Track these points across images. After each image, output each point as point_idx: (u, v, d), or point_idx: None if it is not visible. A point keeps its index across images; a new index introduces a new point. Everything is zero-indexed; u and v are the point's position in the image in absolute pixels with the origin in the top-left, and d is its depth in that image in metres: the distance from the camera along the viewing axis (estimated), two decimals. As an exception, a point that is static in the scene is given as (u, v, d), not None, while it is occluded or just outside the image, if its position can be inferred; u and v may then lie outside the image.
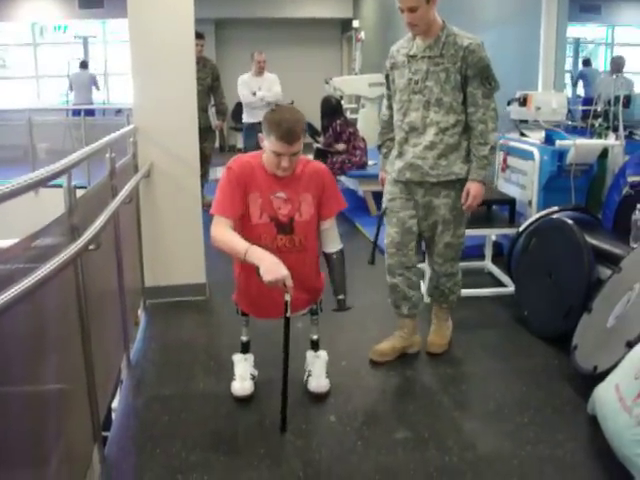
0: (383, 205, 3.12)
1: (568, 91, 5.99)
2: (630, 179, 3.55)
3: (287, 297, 2.37)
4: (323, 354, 2.91)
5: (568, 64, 6.28)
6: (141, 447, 2.45)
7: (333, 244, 2.75)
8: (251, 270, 2.41)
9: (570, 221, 3.35)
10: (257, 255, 2.36)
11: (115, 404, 2.85)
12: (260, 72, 6.75)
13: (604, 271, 3.21)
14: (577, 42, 6.86)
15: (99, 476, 2.27)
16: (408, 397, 2.82)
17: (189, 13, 3.75)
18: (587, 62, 6.81)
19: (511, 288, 3.86)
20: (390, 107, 3.10)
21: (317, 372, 2.83)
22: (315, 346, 2.91)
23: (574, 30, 6.51)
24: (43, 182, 1.93)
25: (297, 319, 2.80)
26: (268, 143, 2.49)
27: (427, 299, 3.42)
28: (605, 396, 2.37)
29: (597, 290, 3.06)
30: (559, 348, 3.16)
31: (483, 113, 2.83)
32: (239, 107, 11.96)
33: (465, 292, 3.83)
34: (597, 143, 4.04)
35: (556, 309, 3.23)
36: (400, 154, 3.00)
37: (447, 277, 3.13)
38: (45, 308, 1.96)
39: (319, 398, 2.74)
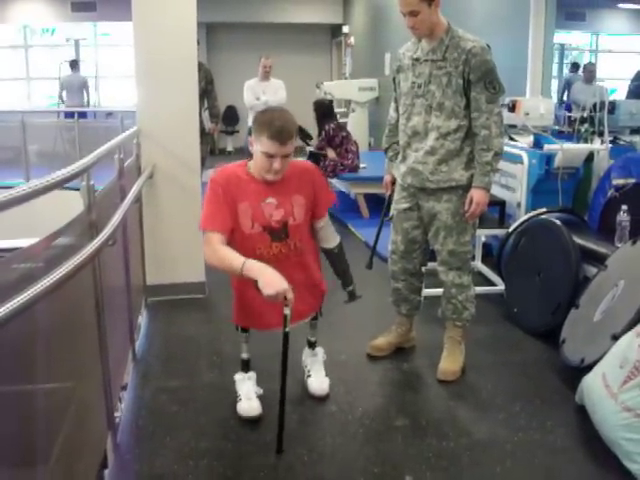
0: (392, 211, 3.12)
1: (554, 97, 6.17)
2: (614, 182, 3.70)
3: (287, 311, 2.25)
4: (320, 351, 2.93)
5: (554, 70, 6.47)
6: (151, 435, 2.56)
7: (331, 239, 2.72)
8: (249, 285, 2.31)
9: (558, 222, 3.50)
10: (255, 269, 2.26)
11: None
12: (266, 77, 6.85)
13: (590, 269, 3.37)
14: (562, 48, 7.03)
15: (113, 462, 2.38)
16: (406, 388, 2.95)
17: (192, 20, 3.88)
18: (576, 66, 6.91)
19: (501, 287, 4.00)
20: (397, 110, 3.07)
21: (316, 372, 2.84)
22: (312, 345, 2.93)
23: (559, 37, 6.70)
24: (64, 182, 2.03)
25: (300, 334, 2.78)
26: (259, 145, 2.40)
27: (439, 314, 3.18)
28: (592, 385, 2.52)
29: (584, 287, 3.21)
30: (548, 343, 3.30)
31: (487, 118, 2.76)
32: (230, 111, 12.16)
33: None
34: (583, 147, 4.20)
35: (545, 306, 3.37)
36: (404, 158, 2.99)
37: (457, 288, 3.01)
38: (68, 301, 2.07)
39: (321, 399, 2.77)
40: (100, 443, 2.34)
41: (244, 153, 8.14)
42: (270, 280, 2.22)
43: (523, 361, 3.19)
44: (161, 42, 3.81)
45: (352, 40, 11.24)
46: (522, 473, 2.32)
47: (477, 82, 2.75)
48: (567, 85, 6.63)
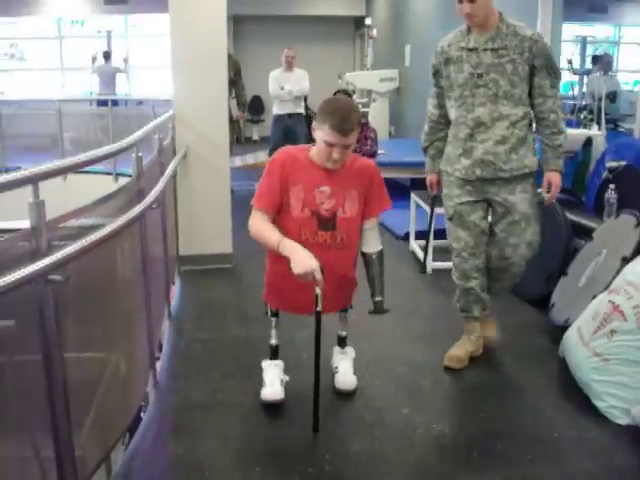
0: (448, 211, 3.01)
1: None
2: (608, 164, 4.02)
3: (317, 290, 2.30)
4: (350, 351, 2.84)
5: (576, 62, 6.63)
6: (185, 375, 2.96)
7: (373, 244, 2.64)
8: (284, 265, 2.34)
9: (553, 200, 3.83)
10: (289, 247, 2.32)
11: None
12: (289, 67, 7.16)
13: (580, 242, 3.71)
14: (584, 41, 7.23)
15: (153, 395, 2.79)
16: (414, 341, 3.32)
17: (222, 13, 4.27)
18: (596, 59, 7.00)
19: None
20: (439, 106, 3.01)
21: (344, 369, 2.77)
22: (342, 342, 2.83)
23: (581, 29, 6.89)
24: (117, 153, 2.44)
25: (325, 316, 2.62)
26: (321, 132, 2.39)
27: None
28: (570, 337, 2.87)
29: (573, 257, 3.55)
30: (540, 309, 3.64)
31: (553, 102, 2.78)
32: (255, 100, 12.54)
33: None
34: (581, 133, 4.52)
35: (538, 275, 3.71)
36: (465, 152, 2.87)
37: (512, 281, 3.09)
38: (121, 258, 2.49)
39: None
40: (144, 378, 2.76)
41: (270, 142, 8.53)
42: (301, 259, 2.28)
43: (516, 324, 3.54)
44: (195, 35, 4.21)
45: (374, 32, 11.56)
46: (512, 410, 2.69)
47: (541, 68, 2.75)
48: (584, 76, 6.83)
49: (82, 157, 2.01)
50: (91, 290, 2.19)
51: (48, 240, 1.70)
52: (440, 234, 4.64)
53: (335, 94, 7.21)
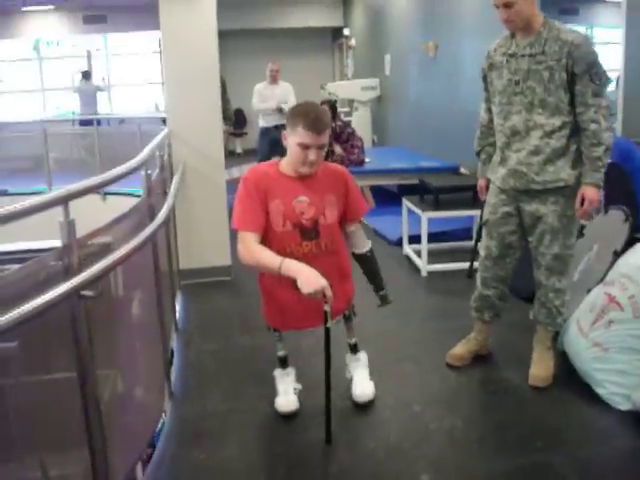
0: (484, 216, 3.01)
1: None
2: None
3: (326, 307, 2.30)
4: (363, 356, 2.84)
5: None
6: (198, 385, 3.04)
7: (362, 244, 2.69)
8: (276, 285, 2.40)
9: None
10: (293, 268, 2.28)
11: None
12: (274, 80, 7.28)
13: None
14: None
15: (170, 406, 2.86)
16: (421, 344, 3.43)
17: (213, 30, 4.37)
18: None
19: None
20: (488, 110, 2.96)
21: (360, 377, 2.77)
22: (354, 349, 2.84)
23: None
24: (129, 174, 2.51)
25: (338, 335, 2.73)
26: (294, 136, 2.39)
27: (531, 317, 3.09)
28: (569, 329, 2.99)
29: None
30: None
31: (595, 112, 2.60)
32: (238, 114, 12.62)
33: (458, 265, 4.48)
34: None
35: (531, 273, 3.83)
36: (502, 160, 2.84)
37: (555, 293, 2.88)
38: (138, 266, 2.56)
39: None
40: (161, 388, 2.84)
41: (253, 154, 8.63)
42: (308, 278, 2.24)
43: (513, 320, 3.58)
44: (187, 51, 4.32)
45: (353, 42, 11.73)
46: (517, 402, 2.80)
47: (582, 75, 2.59)
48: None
49: (104, 177, 2.09)
50: (114, 306, 2.27)
51: (79, 257, 1.78)
52: (434, 238, 4.82)
53: (320, 105, 7.37)
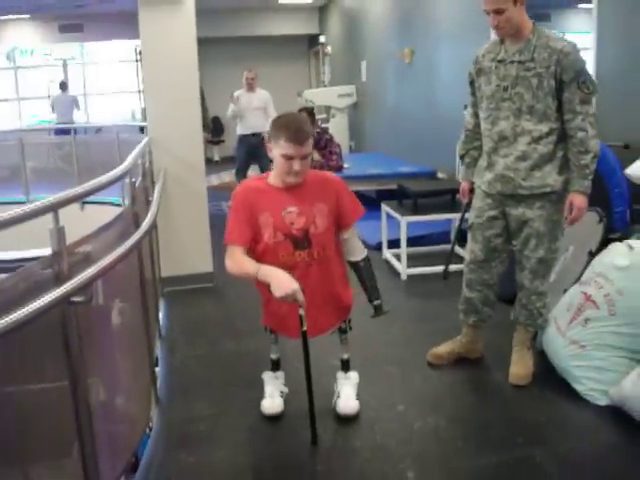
0: (470, 220, 3.05)
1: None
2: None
3: (301, 311, 2.37)
4: (354, 375, 2.83)
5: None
6: (185, 390, 3.07)
7: (358, 252, 2.70)
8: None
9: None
10: (266, 273, 2.36)
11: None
12: (251, 88, 7.32)
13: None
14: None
15: (157, 411, 2.88)
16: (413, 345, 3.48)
17: (192, 38, 4.41)
18: None
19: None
20: (475, 115, 2.99)
21: (346, 394, 2.74)
22: (345, 366, 2.83)
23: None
24: (114, 182, 2.52)
25: (326, 338, 2.74)
26: (277, 149, 2.44)
27: (512, 317, 3.16)
28: (548, 329, 3.06)
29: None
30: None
31: (582, 119, 2.64)
32: (215, 121, 12.64)
33: (437, 269, 4.54)
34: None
35: (510, 274, 3.91)
36: (489, 165, 2.87)
37: (537, 296, 2.94)
38: (124, 276, 2.59)
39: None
40: (147, 395, 2.85)
41: (231, 162, 8.66)
42: (279, 282, 2.31)
43: (495, 322, 3.70)
44: (167, 60, 4.35)
45: (329, 49, 11.82)
46: (498, 400, 2.87)
47: (570, 82, 2.63)
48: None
49: (90, 185, 2.12)
50: (100, 313, 2.29)
51: (68, 264, 1.81)
52: (413, 242, 4.89)
53: (299, 112, 7.42)
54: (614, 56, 4.21)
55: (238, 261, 2.44)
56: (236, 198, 2.56)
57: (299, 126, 2.45)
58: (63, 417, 1.92)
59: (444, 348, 3.17)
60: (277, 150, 2.46)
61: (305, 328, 2.40)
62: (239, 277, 2.50)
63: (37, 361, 1.95)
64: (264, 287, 2.50)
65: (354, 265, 2.72)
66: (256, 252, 2.51)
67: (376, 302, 2.71)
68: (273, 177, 2.57)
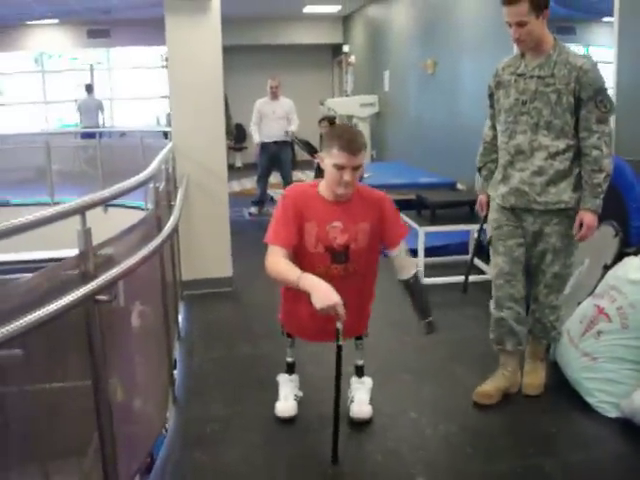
0: (488, 234, 3.01)
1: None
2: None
3: (339, 325, 2.32)
4: (368, 381, 2.87)
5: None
6: (201, 391, 3.13)
7: (405, 270, 2.68)
8: (299, 294, 2.39)
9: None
10: (309, 283, 2.33)
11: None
12: (274, 97, 7.41)
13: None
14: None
15: (173, 411, 2.95)
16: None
17: (218, 46, 4.50)
18: None
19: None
20: (493, 127, 2.98)
21: (360, 398, 2.78)
22: (360, 372, 2.86)
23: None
24: (139, 186, 2.61)
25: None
26: (329, 158, 2.46)
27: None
28: (561, 340, 3.09)
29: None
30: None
31: (598, 138, 2.64)
32: (238, 129, 12.77)
33: (454, 279, 4.57)
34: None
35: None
36: (504, 178, 2.86)
37: (550, 309, 2.93)
38: (146, 278, 2.66)
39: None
40: (165, 395, 2.93)
41: (253, 169, 8.75)
42: (322, 294, 2.28)
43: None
44: (193, 67, 4.45)
45: (352, 59, 11.90)
46: (510, 409, 2.88)
47: (588, 100, 2.63)
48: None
49: (117, 188, 2.20)
50: (123, 313, 2.37)
51: (94, 264, 1.88)
52: (430, 252, 4.93)
53: (320, 121, 7.50)
54: (634, 70, 4.22)
55: (279, 264, 2.44)
56: (288, 199, 2.57)
57: (353, 137, 2.49)
58: (84, 416, 1.99)
59: (490, 386, 2.92)
60: (329, 160, 2.48)
61: (341, 342, 2.36)
62: (274, 278, 2.47)
63: (62, 360, 2.03)
64: (292, 291, 2.51)
65: (403, 283, 2.72)
66: (295, 257, 2.52)
67: (428, 319, 2.71)
68: (323, 188, 2.59)
